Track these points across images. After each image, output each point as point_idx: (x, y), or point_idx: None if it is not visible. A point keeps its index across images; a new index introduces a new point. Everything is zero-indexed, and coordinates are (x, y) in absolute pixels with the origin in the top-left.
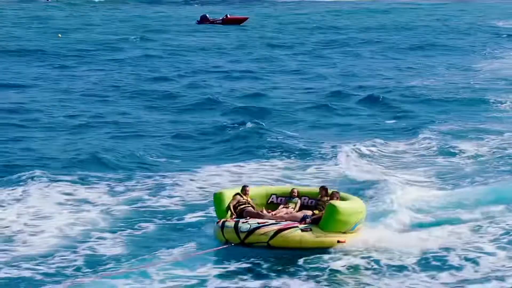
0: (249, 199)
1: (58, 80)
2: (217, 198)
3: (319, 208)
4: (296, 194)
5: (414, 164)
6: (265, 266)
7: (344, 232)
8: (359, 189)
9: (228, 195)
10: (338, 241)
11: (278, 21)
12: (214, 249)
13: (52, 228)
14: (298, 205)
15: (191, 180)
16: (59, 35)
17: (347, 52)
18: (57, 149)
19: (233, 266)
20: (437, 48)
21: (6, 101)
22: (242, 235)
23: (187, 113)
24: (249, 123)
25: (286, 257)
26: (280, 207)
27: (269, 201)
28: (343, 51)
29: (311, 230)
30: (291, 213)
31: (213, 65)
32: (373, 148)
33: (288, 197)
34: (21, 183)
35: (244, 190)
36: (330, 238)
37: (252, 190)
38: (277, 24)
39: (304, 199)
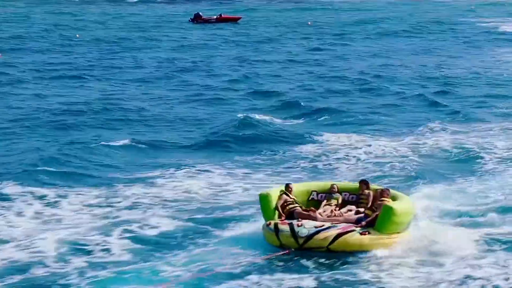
0: (294, 198)
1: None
2: (264, 198)
3: (362, 202)
4: (336, 189)
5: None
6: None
7: (398, 232)
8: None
9: (274, 195)
10: (394, 242)
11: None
12: (277, 254)
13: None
14: (340, 200)
15: None
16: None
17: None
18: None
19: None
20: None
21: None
22: (301, 240)
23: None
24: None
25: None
26: (322, 204)
27: (310, 198)
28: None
29: (369, 233)
30: (335, 210)
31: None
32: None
33: (328, 193)
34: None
35: (288, 188)
36: (387, 239)
37: (293, 188)
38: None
39: (345, 194)
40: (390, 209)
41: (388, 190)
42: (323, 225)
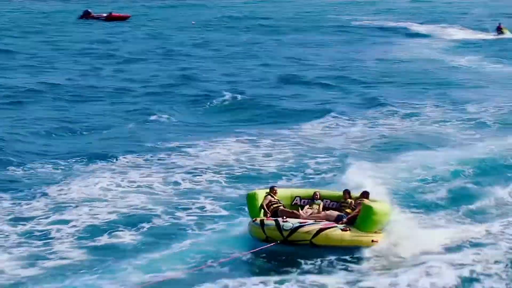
0: (278, 199)
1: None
2: (251, 197)
3: (343, 209)
4: (318, 196)
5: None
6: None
7: (376, 232)
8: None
9: (261, 195)
10: (372, 241)
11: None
12: (262, 247)
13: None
14: (321, 206)
15: None
16: None
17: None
18: None
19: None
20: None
21: None
22: (286, 233)
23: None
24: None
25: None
26: (305, 208)
27: (293, 203)
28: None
29: (349, 230)
30: (316, 214)
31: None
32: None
33: (311, 200)
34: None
35: (272, 190)
36: (366, 237)
37: (278, 192)
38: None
39: (326, 201)
40: (369, 208)
41: (368, 192)
42: (306, 221)
